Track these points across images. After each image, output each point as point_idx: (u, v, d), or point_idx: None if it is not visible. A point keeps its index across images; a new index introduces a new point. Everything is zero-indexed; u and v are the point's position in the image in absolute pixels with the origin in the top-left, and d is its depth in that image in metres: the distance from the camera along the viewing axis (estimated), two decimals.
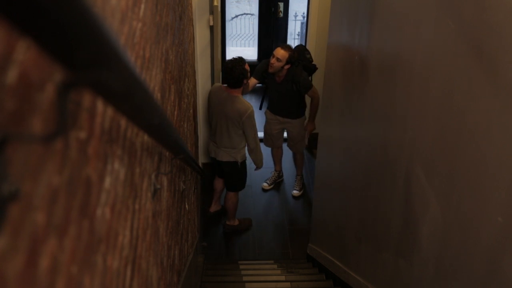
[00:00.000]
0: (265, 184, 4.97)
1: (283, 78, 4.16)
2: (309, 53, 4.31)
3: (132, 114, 0.82)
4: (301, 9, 7.81)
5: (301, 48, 4.33)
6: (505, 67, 1.27)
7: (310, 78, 4.35)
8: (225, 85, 3.82)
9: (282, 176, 5.07)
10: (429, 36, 1.76)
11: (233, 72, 3.64)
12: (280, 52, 4.02)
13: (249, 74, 3.78)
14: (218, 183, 4.48)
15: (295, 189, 4.89)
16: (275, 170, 5.00)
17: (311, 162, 5.25)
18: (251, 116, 3.74)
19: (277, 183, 5.04)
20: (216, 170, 4.31)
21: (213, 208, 4.63)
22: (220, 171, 4.26)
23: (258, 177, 5.16)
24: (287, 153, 5.13)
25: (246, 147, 4.04)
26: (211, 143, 4.08)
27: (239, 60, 3.70)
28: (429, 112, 1.79)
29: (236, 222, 4.48)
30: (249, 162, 5.27)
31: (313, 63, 4.31)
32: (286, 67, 4.06)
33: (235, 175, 4.14)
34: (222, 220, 4.58)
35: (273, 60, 4.04)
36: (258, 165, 4.10)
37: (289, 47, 4.09)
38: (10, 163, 0.47)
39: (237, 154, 3.98)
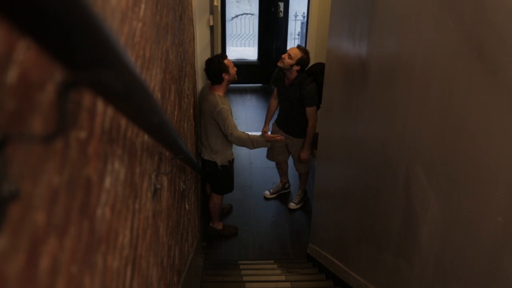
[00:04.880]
0: (267, 192, 4.91)
1: (291, 81, 4.12)
2: None
3: (132, 114, 0.82)
4: (301, 9, 7.81)
5: (323, 65, 4.27)
6: (505, 67, 1.27)
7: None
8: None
9: (288, 188, 4.96)
10: (430, 36, 1.76)
11: (210, 66, 3.64)
12: (293, 51, 4.00)
13: (234, 71, 3.72)
14: (209, 187, 4.42)
15: (292, 201, 4.79)
16: (280, 181, 4.91)
17: (312, 162, 5.25)
18: (221, 112, 3.63)
19: (281, 194, 4.94)
20: (205, 171, 4.24)
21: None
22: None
23: (259, 177, 5.16)
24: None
25: (226, 150, 3.93)
26: (200, 139, 4.06)
27: (218, 55, 3.70)
28: (430, 112, 1.79)
29: (220, 226, 4.41)
30: (249, 161, 5.28)
31: None
32: (296, 68, 4.00)
33: (215, 176, 4.06)
34: (224, 220, 4.56)
35: (284, 55, 4.02)
36: (249, 146, 3.75)
37: (304, 49, 4.05)
38: (10, 163, 0.47)
39: (216, 156, 3.90)
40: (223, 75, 3.65)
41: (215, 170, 3.98)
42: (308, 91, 4.06)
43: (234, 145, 3.94)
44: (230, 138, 3.72)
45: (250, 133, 3.78)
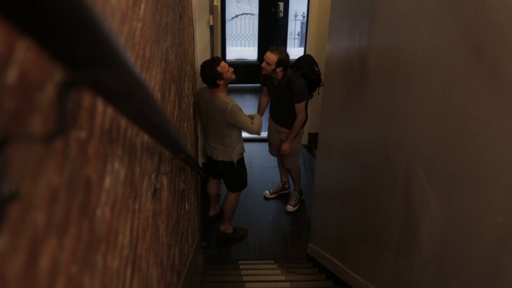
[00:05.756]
0: (267, 192, 4.91)
1: (278, 82, 4.13)
2: (317, 66, 4.22)
3: (132, 114, 0.82)
4: (301, 9, 7.82)
5: (307, 58, 4.24)
6: (505, 67, 1.27)
7: (313, 92, 4.28)
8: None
9: (288, 188, 4.95)
10: (430, 35, 1.76)
11: (204, 73, 3.65)
12: (268, 56, 3.99)
13: (230, 74, 3.72)
14: (212, 188, 4.42)
15: (289, 204, 4.78)
16: (281, 181, 4.91)
17: (311, 162, 5.25)
18: (233, 111, 3.69)
19: (281, 194, 4.93)
20: (210, 171, 4.24)
21: (212, 212, 4.59)
22: (215, 171, 4.21)
23: (259, 177, 5.16)
24: None
25: (239, 144, 3.98)
26: (206, 143, 4.08)
27: (211, 61, 3.68)
28: (430, 111, 1.79)
29: (230, 229, 4.41)
30: (249, 161, 5.28)
31: (320, 76, 4.21)
32: (279, 69, 4.00)
33: (232, 175, 4.09)
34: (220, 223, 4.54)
35: (263, 64, 4.03)
36: (254, 129, 3.91)
37: (278, 50, 4.03)
38: (10, 163, 0.47)
39: (232, 153, 3.93)
40: (218, 81, 3.66)
41: (231, 168, 4.00)
42: (297, 88, 4.07)
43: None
44: (250, 132, 3.83)
45: (255, 119, 3.91)
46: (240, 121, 3.74)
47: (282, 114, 4.35)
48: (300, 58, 4.29)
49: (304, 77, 4.10)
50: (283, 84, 4.09)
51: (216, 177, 4.29)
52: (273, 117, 4.47)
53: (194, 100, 3.87)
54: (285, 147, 4.36)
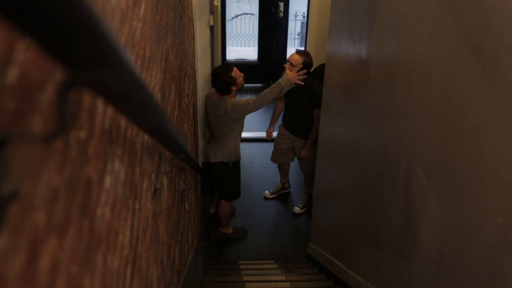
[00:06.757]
0: (267, 192, 4.91)
1: (299, 84, 4.11)
2: None
3: (132, 114, 0.82)
4: (301, 9, 7.82)
5: (322, 68, 4.25)
6: (505, 67, 1.27)
7: None
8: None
9: (288, 188, 4.96)
10: (430, 36, 1.76)
11: (218, 80, 3.65)
12: (294, 58, 3.93)
13: (241, 79, 3.73)
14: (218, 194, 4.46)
15: (297, 206, 4.77)
16: (280, 181, 4.92)
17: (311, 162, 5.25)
18: (234, 102, 3.67)
19: (281, 194, 4.95)
20: (213, 177, 4.26)
21: (213, 209, 4.62)
22: (213, 177, 4.22)
23: (259, 177, 5.16)
24: (295, 167, 5.02)
25: (237, 144, 3.96)
26: (208, 144, 4.08)
27: (225, 67, 3.68)
28: (430, 112, 1.79)
29: (230, 230, 4.43)
30: (249, 161, 5.28)
31: None
32: (302, 73, 3.99)
33: (225, 179, 4.07)
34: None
35: (287, 65, 3.95)
36: (274, 95, 3.70)
37: (304, 53, 4.00)
38: (10, 163, 0.47)
39: (230, 150, 3.91)
40: (231, 87, 3.67)
41: (226, 169, 3.98)
42: (316, 93, 4.02)
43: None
44: (253, 108, 3.68)
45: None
46: (241, 104, 3.69)
47: (296, 122, 4.33)
48: (319, 66, 4.25)
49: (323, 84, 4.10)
50: (304, 86, 4.01)
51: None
52: (286, 125, 4.43)
53: (194, 100, 3.87)
54: (304, 153, 4.36)
